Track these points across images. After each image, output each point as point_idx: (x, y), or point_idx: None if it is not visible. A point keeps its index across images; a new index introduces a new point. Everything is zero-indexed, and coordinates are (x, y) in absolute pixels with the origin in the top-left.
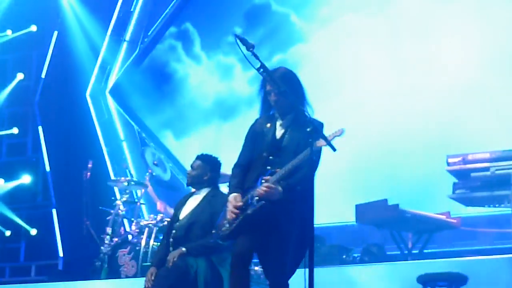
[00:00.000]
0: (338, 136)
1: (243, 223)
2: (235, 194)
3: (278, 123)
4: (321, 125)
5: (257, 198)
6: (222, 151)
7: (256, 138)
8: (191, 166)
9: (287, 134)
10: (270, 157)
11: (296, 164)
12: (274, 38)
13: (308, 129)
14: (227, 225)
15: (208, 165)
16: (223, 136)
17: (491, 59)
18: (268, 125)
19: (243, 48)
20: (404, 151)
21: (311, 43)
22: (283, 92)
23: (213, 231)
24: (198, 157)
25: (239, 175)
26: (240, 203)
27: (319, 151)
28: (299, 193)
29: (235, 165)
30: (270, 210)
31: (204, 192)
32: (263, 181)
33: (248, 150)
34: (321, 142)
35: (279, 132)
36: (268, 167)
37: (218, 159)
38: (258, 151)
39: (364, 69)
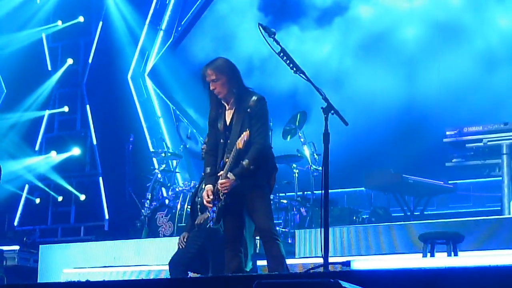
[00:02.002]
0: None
1: (220, 213)
2: (207, 187)
3: (227, 107)
4: (262, 98)
5: (222, 193)
6: None
7: (214, 124)
8: (204, 143)
9: (234, 118)
10: (226, 142)
11: (235, 155)
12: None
13: (248, 110)
14: (211, 214)
15: None
16: None
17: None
18: (220, 110)
19: (266, 35)
20: (406, 125)
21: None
22: (216, 80)
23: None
24: None
25: (210, 163)
26: (211, 197)
27: (260, 133)
28: (254, 171)
29: (205, 152)
30: (236, 194)
31: None
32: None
33: (212, 136)
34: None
35: (228, 118)
36: (226, 152)
37: None
38: (218, 137)
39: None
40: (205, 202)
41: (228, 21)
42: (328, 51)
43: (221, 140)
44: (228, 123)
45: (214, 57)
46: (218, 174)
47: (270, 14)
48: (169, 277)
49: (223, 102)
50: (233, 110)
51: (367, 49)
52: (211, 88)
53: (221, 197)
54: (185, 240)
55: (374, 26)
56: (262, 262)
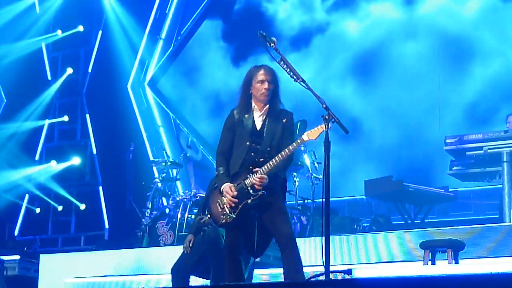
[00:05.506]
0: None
1: (244, 210)
2: (229, 184)
3: (256, 114)
4: (291, 114)
5: (251, 188)
6: None
7: (235, 127)
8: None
9: (266, 125)
10: (253, 145)
11: (280, 159)
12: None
13: (283, 120)
14: (228, 213)
15: None
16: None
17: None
18: (246, 115)
19: (266, 43)
20: (407, 134)
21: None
22: (271, 82)
23: (208, 216)
24: None
25: (224, 163)
26: (236, 192)
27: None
28: (281, 179)
29: (218, 152)
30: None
31: None
32: (251, 174)
33: (228, 139)
34: (307, 136)
35: (258, 123)
36: (252, 154)
37: None
38: (239, 139)
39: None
40: (229, 198)
41: (191, 53)
42: (308, 77)
43: (247, 142)
44: (258, 128)
45: (178, 94)
46: (254, 170)
47: (236, 42)
48: (171, 283)
49: (256, 104)
50: (264, 116)
51: (356, 70)
52: (264, 86)
53: (253, 193)
54: (191, 244)
55: (363, 43)
56: (258, 271)
